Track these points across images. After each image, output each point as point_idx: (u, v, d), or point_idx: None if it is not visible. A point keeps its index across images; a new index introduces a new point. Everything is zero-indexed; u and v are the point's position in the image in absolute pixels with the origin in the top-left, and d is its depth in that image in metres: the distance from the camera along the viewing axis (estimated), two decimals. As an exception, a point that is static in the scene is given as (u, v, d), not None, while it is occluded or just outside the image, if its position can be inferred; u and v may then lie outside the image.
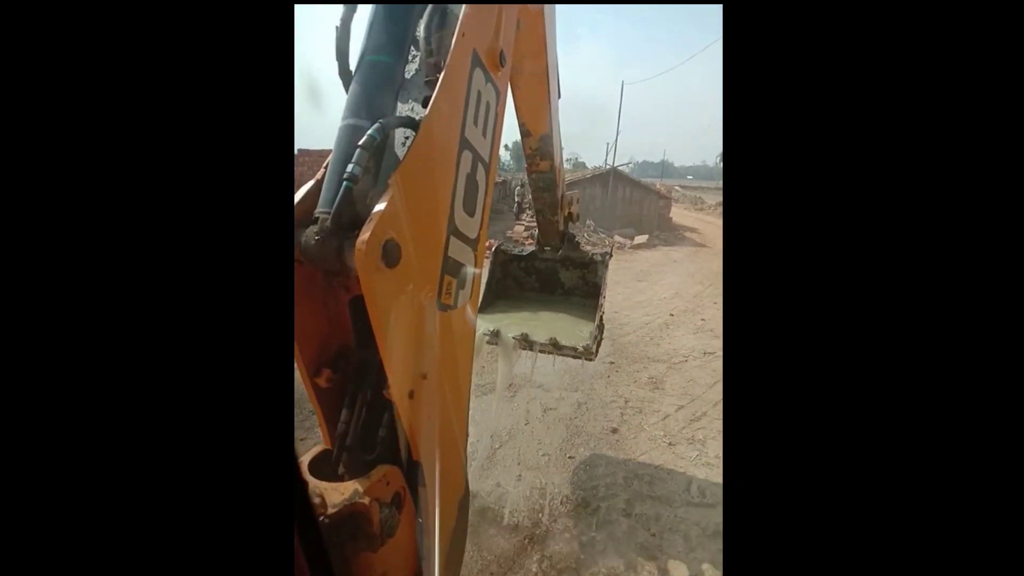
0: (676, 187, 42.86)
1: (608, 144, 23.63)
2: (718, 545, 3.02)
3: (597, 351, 2.69)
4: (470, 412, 1.35)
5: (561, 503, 3.37)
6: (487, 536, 3.03)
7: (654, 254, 14.53)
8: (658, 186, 22.98)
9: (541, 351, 2.63)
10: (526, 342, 2.49)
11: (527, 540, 3.01)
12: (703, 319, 7.81)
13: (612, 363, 5.83)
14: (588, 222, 17.02)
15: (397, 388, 1.02)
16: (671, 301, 8.94)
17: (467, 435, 1.34)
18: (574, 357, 2.70)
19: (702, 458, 3.96)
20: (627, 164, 21.82)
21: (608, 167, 19.89)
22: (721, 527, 3.15)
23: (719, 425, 4.48)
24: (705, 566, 2.84)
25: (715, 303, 8.85)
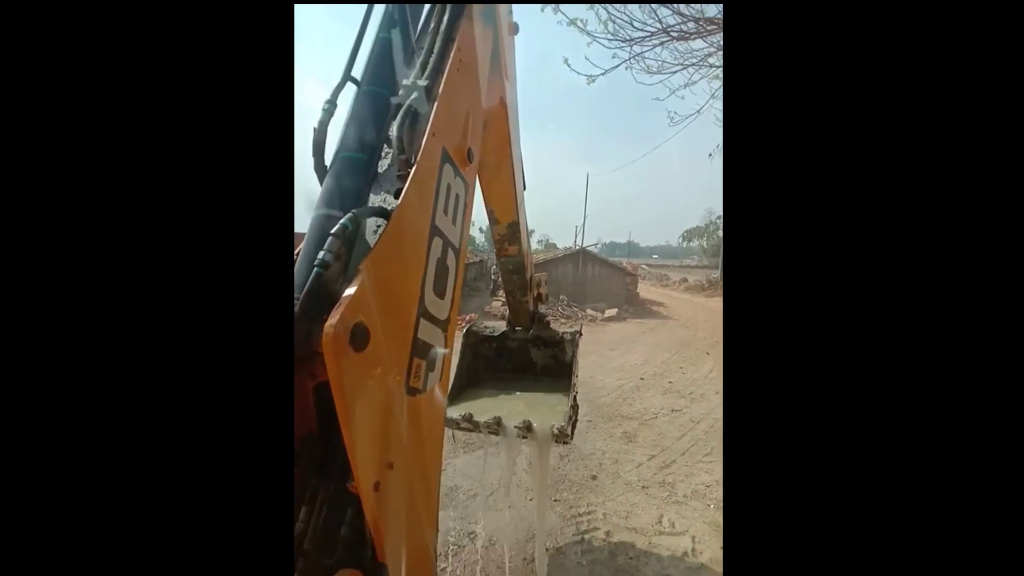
0: (642, 265, 44.95)
1: (577, 227, 26.84)
2: (687, 563, 3.58)
3: (573, 433, 2.62)
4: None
5: (547, 536, 3.71)
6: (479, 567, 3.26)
7: (624, 326, 15.61)
8: (625, 264, 24.19)
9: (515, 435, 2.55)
10: (498, 427, 2.41)
11: (523, 561, 3.35)
12: (670, 382, 8.57)
13: (590, 421, 6.35)
14: (561, 297, 18.18)
15: (362, 479, 0.96)
16: (641, 367, 9.69)
17: (437, 530, 1.25)
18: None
19: (672, 497, 4.47)
20: (595, 245, 24.00)
21: (578, 247, 21.53)
22: (690, 549, 3.72)
23: (687, 470, 5.09)
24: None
25: (681, 368, 9.64)
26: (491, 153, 2.20)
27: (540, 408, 2.73)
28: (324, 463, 1.09)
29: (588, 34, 5.08)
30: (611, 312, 17.42)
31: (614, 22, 4.95)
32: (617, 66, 5.24)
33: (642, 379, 8.66)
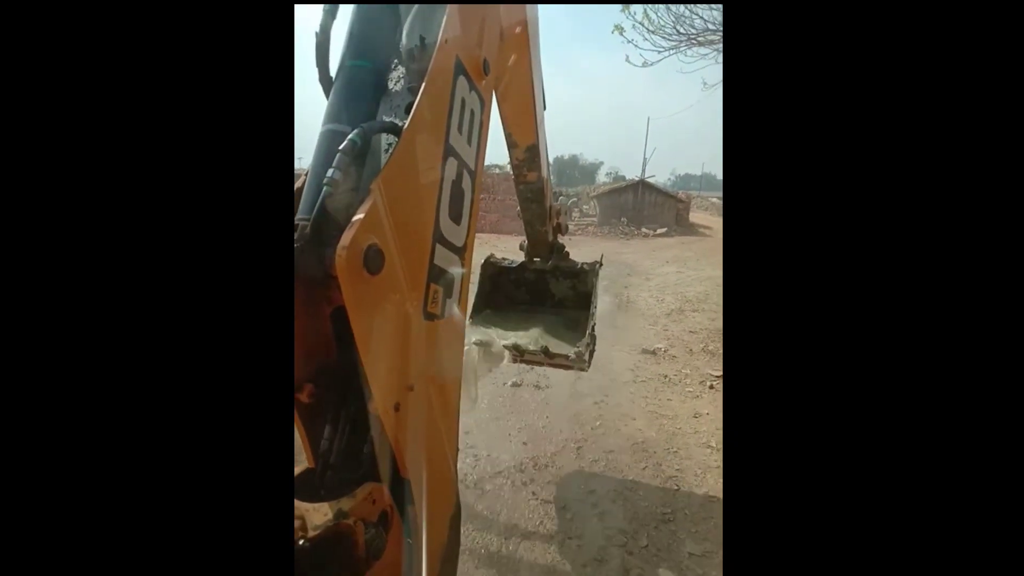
0: (712, 198, 46.94)
1: (646, 159, 33.71)
2: (658, 303, 9.12)
3: (590, 361, 2.65)
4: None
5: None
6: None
7: (669, 240, 21.53)
8: (679, 194, 29.34)
9: (532, 361, 2.60)
10: (517, 351, 2.45)
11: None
12: (684, 263, 14.13)
13: (628, 274, 12.00)
14: (622, 219, 24.57)
15: (382, 401, 0.98)
16: (669, 258, 15.37)
17: (457, 449, 1.29)
18: (566, 367, 2.67)
19: (662, 294, 9.89)
20: (652, 177, 28.43)
21: (639, 179, 27.17)
22: (660, 301, 9.25)
23: (673, 289, 10.30)
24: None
25: (696, 259, 14.91)
26: (509, 67, 2.03)
27: (557, 337, 2.75)
28: (345, 386, 1.11)
29: (636, 46, 7.40)
30: (661, 231, 23.29)
31: (655, 33, 7.24)
32: (660, 60, 7.51)
33: (667, 262, 14.41)
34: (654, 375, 5.44)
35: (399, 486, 1.06)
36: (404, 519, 1.08)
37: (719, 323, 7.38)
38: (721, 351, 6.14)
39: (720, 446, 3.86)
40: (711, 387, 5.16)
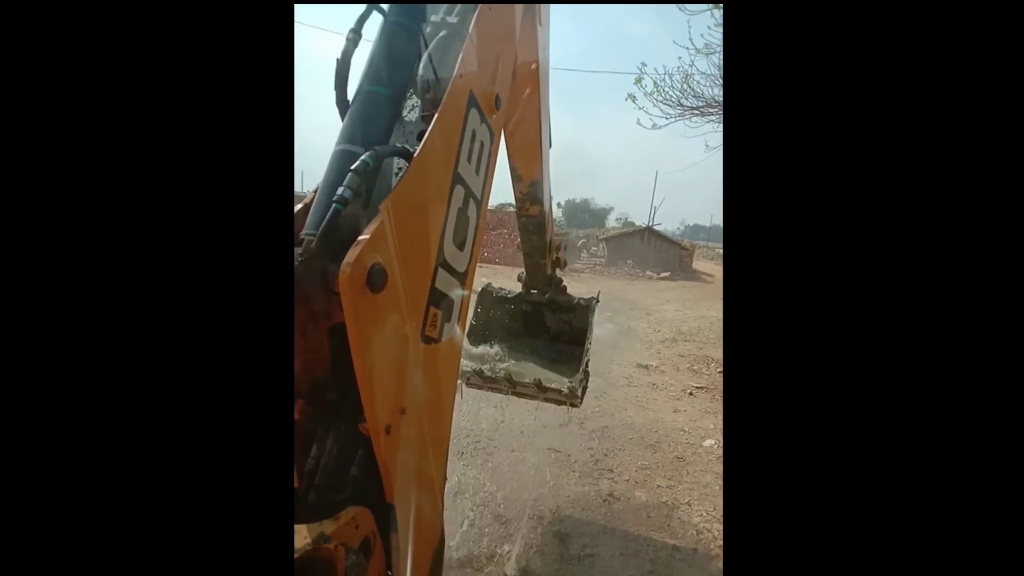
0: (719, 248, 48.55)
1: (655, 208, 36.44)
2: (645, 324, 11.12)
3: (583, 397, 2.63)
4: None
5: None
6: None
7: (671, 283, 23.51)
8: (684, 242, 32.00)
9: (523, 394, 2.57)
10: (509, 383, 2.43)
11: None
12: (682, 302, 15.62)
13: (631, 309, 13.20)
14: (628, 261, 26.52)
15: (373, 422, 0.97)
16: (669, 298, 16.79)
17: (445, 477, 1.26)
18: (557, 402, 2.64)
19: (657, 319, 11.91)
20: (659, 225, 30.89)
21: (645, 226, 29.98)
22: (644, 317, 11.99)
23: (670, 321, 11.55)
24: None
25: (695, 300, 16.46)
26: (519, 104, 2.11)
27: (550, 371, 2.73)
28: (336, 404, 1.09)
29: (647, 112, 8.37)
30: (665, 274, 25.30)
31: (664, 103, 8.36)
32: (668, 124, 8.59)
33: (667, 301, 15.77)
34: (645, 383, 6.73)
35: (384, 512, 1.03)
36: (386, 547, 1.04)
37: (706, 351, 8.59)
38: (702, 371, 7.46)
39: (691, 431, 5.17)
40: (690, 394, 6.35)
